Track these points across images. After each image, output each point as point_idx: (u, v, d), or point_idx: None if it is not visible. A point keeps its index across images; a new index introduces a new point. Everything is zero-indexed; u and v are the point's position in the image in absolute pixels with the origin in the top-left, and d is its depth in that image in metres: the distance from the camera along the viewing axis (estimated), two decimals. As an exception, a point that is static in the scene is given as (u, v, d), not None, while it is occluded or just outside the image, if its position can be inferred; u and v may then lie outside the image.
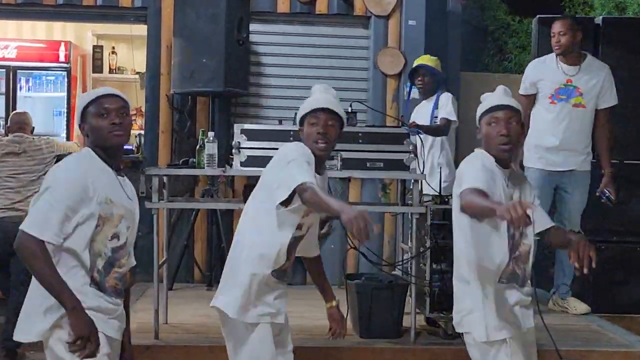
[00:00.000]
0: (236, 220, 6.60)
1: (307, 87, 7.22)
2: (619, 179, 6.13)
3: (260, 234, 3.59)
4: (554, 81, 5.92)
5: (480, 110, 3.79)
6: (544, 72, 6.00)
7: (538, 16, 7.07)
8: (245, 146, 4.94)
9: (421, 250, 5.09)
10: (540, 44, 6.94)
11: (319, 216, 3.76)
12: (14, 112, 6.97)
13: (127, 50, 9.32)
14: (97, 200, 3.14)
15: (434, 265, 5.03)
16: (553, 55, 6.00)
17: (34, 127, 6.64)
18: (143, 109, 8.05)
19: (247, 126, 5.03)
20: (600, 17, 7.21)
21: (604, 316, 5.96)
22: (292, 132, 4.89)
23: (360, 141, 5.06)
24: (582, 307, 5.98)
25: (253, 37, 7.22)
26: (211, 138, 4.92)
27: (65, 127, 9.20)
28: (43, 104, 9.36)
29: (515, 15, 9.07)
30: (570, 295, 6.06)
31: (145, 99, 7.44)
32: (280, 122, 5.38)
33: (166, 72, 7.19)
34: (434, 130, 6.20)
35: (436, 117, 6.23)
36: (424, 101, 6.49)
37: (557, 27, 5.92)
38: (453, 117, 6.29)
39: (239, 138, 4.94)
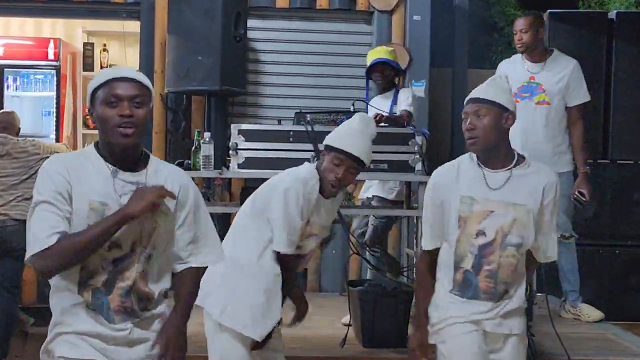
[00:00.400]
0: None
1: (307, 86, 7.38)
2: (636, 181, 6.11)
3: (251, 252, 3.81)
4: (518, 79, 5.92)
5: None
6: (511, 71, 6.00)
7: (549, 11, 7.06)
8: (243, 147, 4.92)
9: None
10: (551, 40, 6.93)
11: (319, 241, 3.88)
12: (2, 111, 6.95)
13: (119, 48, 9.31)
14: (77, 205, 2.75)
15: (441, 272, 4.99)
16: (520, 54, 6.06)
17: (20, 128, 6.62)
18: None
19: (244, 126, 5.02)
20: (614, 12, 7.18)
21: (619, 324, 5.93)
22: (291, 133, 4.87)
23: (363, 142, 5.03)
24: (596, 314, 5.94)
25: (251, 34, 7.20)
26: (207, 139, 4.90)
27: (54, 127, 9.18)
28: (31, 104, 9.35)
29: (525, 10, 9.03)
30: (582, 302, 6.02)
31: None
32: (279, 122, 5.35)
33: (160, 71, 7.17)
34: (394, 120, 6.01)
35: (394, 113, 5.95)
36: (378, 97, 6.18)
37: (518, 24, 5.95)
38: (412, 111, 6.15)
39: (236, 139, 4.92)
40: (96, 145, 2.89)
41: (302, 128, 5.00)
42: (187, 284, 3.02)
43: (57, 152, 6.89)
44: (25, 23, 9.56)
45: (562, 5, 7.29)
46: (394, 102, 6.03)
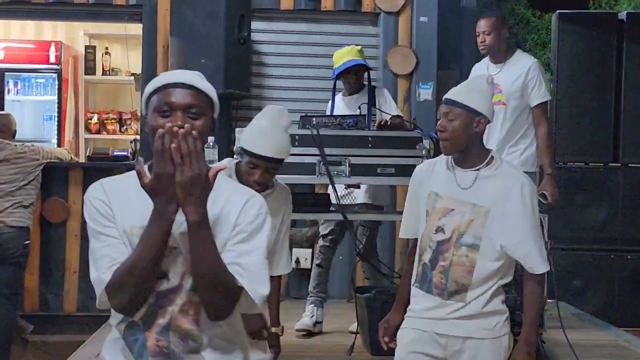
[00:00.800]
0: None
1: (312, 89, 7.43)
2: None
3: None
4: None
5: None
6: (480, 72, 6.10)
7: (559, 11, 7.09)
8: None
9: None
10: (561, 41, 6.96)
11: None
12: None
13: (122, 51, 9.34)
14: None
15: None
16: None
17: (15, 131, 6.65)
18: (138, 113, 8.08)
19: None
20: (625, 12, 7.22)
21: (631, 330, 5.95)
22: (297, 137, 4.89)
23: (369, 146, 5.06)
24: None
25: (255, 36, 7.25)
26: (211, 143, 4.92)
27: (56, 132, 9.21)
28: (32, 108, 9.39)
29: (536, 10, 9.06)
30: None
31: (140, 102, 7.43)
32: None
33: (162, 74, 7.21)
34: (399, 126, 6.01)
35: (374, 114, 5.85)
36: (348, 98, 6.10)
37: (481, 26, 6.00)
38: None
39: (240, 143, 4.94)
40: None
41: (307, 132, 5.00)
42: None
43: (59, 158, 6.97)
44: (26, 26, 9.61)
45: (572, 6, 7.31)
46: (371, 101, 6.01)
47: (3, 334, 6.39)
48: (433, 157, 5.30)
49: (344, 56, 6.03)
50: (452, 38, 7.55)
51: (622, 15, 7.12)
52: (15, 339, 6.58)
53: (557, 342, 5.05)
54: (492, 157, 3.63)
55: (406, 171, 5.03)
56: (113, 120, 9.45)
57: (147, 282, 2.42)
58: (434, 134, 5.48)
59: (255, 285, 2.43)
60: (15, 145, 6.41)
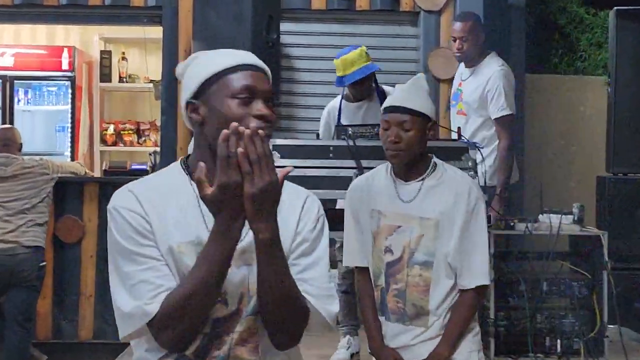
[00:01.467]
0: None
1: None
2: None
3: None
4: (454, 85, 6.18)
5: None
6: (458, 74, 6.25)
7: (616, 8, 6.99)
8: (278, 165, 4.85)
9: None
10: (619, 40, 6.88)
11: None
12: (0, 127, 7.01)
13: (140, 56, 9.39)
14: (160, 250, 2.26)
15: (499, 301, 4.98)
16: None
17: (21, 144, 6.66)
18: (158, 123, 8.09)
19: (279, 141, 4.99)
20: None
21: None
22: (331, 148, 4.87)
23: (411, 157, 5.02)
24: None
25: (284, 38, 7.25)
26: (238, 155, 4.91)
27: (69, 144, 9.28)
28: (44, 119, 9.47)
29: (590, 7, 8.98)
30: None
31: (160, 112, 7.47)
32: (317, 137, 5.35)
33: (184, 80, 7.21)
34: None
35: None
36: (353, 105, 5.99)
37: (458, 30, 6.06)
38: None
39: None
40: (184, 162, 2.43)
41: (343, 143, 4.98)
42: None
43: (73, 172, 6.98)
44: (37, 30, 9.69)
45: (631, 1, 7.22)
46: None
47: (16, 364, 6.40)
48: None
49: (354, 63, 5.95)
50: (499, 39, 7.48)
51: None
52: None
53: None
54: (435, 164, 3.61)
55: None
56: (130, 131, 9.48)
57: (206, 312, 2.21)
58: (479, 144, 5.45)
59: (325, 302, 2.29)
60: (22, 160, 6.42)
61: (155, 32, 7.73)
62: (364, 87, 5.93)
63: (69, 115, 9.31)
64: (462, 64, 6.22)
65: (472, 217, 3.54)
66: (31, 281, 6.36)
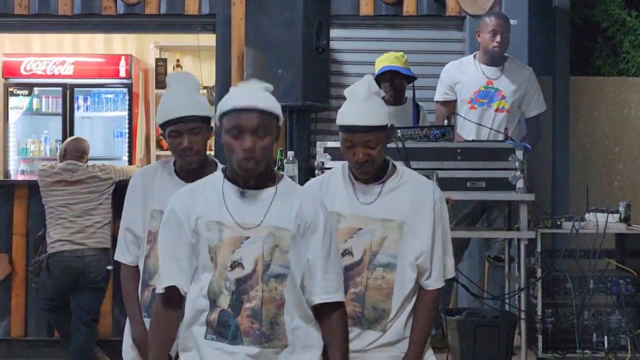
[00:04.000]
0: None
1: None
2: None
3: None
4: (473, 84, 6.06)
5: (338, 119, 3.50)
6: (463, 74, 6.16)
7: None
8: (329, 166, 4.87)
9: (531, 281, 5.02)
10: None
11: None
12: (72, 137, 7.09)
13: (194, 63, 9.47)
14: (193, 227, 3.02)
15: (547, 298, 4.96)
16: (470, 57, 6.24)
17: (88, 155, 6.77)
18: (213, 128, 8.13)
19: (331, 144, 4.99)
20: None
21: None
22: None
23: (458, 158, 5.02)
24: None
25: (333, 44, 7.20)
26: (291, 158, 4.95)
27: (127, 149, 9.35)
28: (102, 125, 9.55)
29: (632, 10, 8.90)
30: None
31: (214, 117, 7.47)
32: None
33: (237, 86, 7.24)
34: None
35: None
36: (394, 110, 6.08)
37: (500, 25, 6.07)
38: None
39: (322, 157, 4.92)
40: (224, 169, 3.13)
41: (392, 145, 4.95)
42: (334, 324, 3.09)
43: (132, 175, 7.05)
44: (95, 39, 9.80)
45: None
46: (415, 119, 6.02)
47: (80, 363, 6.47)
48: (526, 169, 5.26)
49: (381, 62, 6.01)
50: (543, 41, 7.45)
51: None
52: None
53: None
54: (395, 166, 3.54)
55: (498, 184, 4.99)
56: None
57: None
58: (528, 145, 5.43)
59: None
60: (87, 167, 6.51)
61: (209, 39, 7.77)
62: (389, 87, 6.02)
63: (126, 121, 9.40)
64: (473, 66, 6.21)
65: (437, 218, 3.47)
66: (98, 283, 6.42)
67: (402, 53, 6.24)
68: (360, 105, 3.40)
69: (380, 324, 3.44)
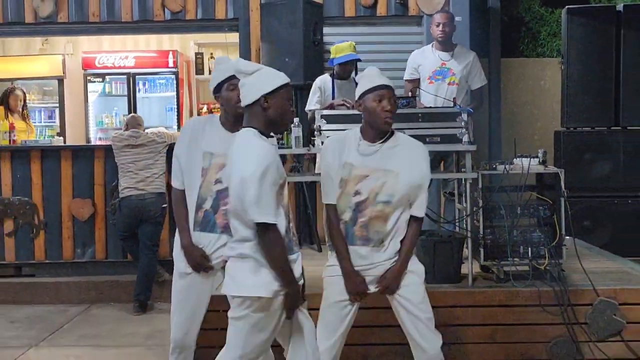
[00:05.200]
0: (318, 190, 6.62)
1: None
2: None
3: None
4: (431, 65, 6.02)
5: (363, 88, 3.65)
6: (423, 58, 6.09)
7: (567, 7, 6.86)
8: (325, 129, 4.88)
9: (475, 210, 5.01)
10: (569, 31, 6.77)
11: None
12: (131, 114, 7.16)
13: (223, 55, 9.36)
14: None
15: (486, 222, 4.95)
16: (429, 45, 6.16)
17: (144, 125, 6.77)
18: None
19: (325, 112, 4.98)
20: (622, 5, 6.96)
21: (633, 259, 5.79)
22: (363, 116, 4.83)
23: (420, 120, 4.97)
24: None
25: (326, 39, 7.16)
26: (297, 123, 4.90)
27: (176, 120, 9.37)
28: (157, 103, 9.54)
29: (548, 7, 8.81)
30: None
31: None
32: (352, 107, 5.32)
33: (256, 71, 7.18)
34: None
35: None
36: (340, 82, 6.02)
37: (442, 18, 6.02)
38: None
39: (319, 122, 4.89)
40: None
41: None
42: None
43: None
44: (150, 39, 9.73)
45: (577, 1, 7.09)
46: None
47: (146, 277, 6.51)
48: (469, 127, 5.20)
49: (344, 50, 5.94)
50: (481, 34, 7.38)
51: (620, 7, 6.86)
52: (155, 281, 6.69)
53: (574, 270, 4.95)
54: (393, 132, 3.65)
55: (450, 139, 4.94)
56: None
57: None
58: (471, 109, 5.37)
59: None
60: (147, 133, 6.52)
61: (234, 37, 7.70)
62: (348, 69, 5.96)
63: (175, 100, 9.39)
64: (430, 52, 6.13)
65: (425, 168, 3.61)
66: (156, 218, 6.45)
67: (352, 42, 6.11)
68: (380, 76, 3.64)
69: (381, 244, 3.59)
